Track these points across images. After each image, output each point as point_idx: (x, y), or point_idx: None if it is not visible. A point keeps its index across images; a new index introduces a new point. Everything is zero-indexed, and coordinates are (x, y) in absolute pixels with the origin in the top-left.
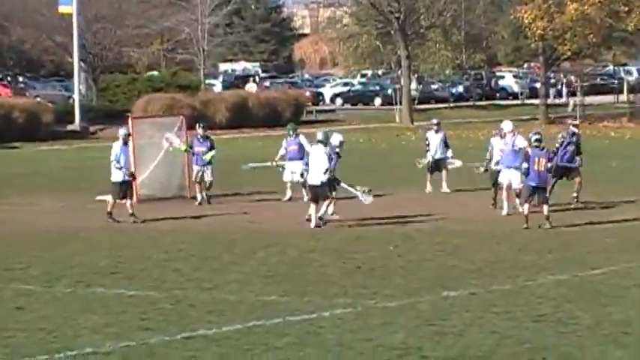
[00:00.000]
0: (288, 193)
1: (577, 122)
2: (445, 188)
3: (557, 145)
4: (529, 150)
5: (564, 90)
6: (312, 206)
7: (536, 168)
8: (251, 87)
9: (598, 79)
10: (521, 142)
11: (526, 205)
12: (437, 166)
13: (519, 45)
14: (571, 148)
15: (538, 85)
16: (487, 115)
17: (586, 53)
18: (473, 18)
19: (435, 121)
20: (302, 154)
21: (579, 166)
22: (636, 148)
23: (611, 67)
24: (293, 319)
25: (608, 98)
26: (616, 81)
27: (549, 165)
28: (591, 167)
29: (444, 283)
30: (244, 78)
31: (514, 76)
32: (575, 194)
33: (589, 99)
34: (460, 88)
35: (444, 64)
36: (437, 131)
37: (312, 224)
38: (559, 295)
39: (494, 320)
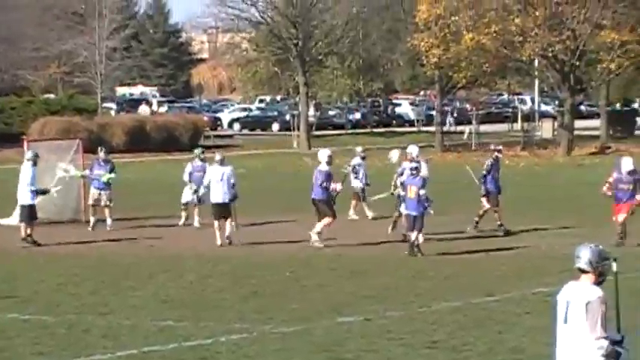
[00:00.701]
0: (184, 216)
1: (500, 147)
2: (352, 215)
3: (484, 172)
4: (405, 179)
5: (451, 119)
6: (216, 224)
7: (408, 196)
8: (144, 110)
9: (493, 108)
10: (424, 171)
11: (409, 233)
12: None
13: (416, 73)
14: (497, 174)
15: (434, 112)
16: (384, 142)
17: (481, 82)
18: (370, 45)
19: (360, 149)
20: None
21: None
22: (529, 177)
23: (505, 96)
24: (189, 344)
25: (503, 127)
26: (510, 110)
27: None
28: None
29: (339, 309)
30: (137, 102)
31: (410, 104)
32: (499, 222)
33: (484, 127)
34: (357, 115)
35: (342, 90)
36: (363, 159)
37: (218, 242)
38: (453, 322)
39: (389, 346)
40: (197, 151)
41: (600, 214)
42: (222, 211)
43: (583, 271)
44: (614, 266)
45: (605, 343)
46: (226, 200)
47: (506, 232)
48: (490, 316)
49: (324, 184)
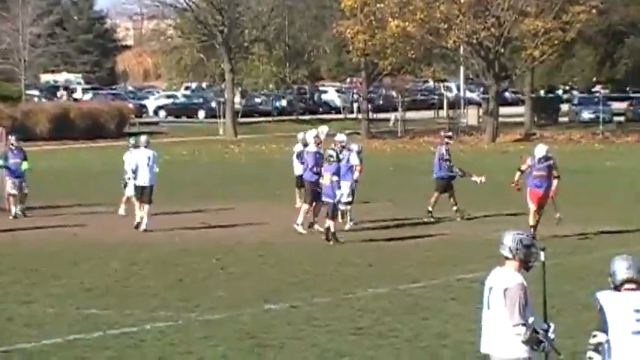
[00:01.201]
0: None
1: (450, 134)
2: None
3: (446, 157)
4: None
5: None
6: (140, 207)
7: (323, 182)
8: (62, 95)
9: (419, 95)
10: (354, 159)
11: (328, 221)
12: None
13: (342, 60)
14: (448, 161)
15: (360, 99)
16: (311, 129)
17: (407, 69)
18: (296, 32)
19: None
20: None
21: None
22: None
23: (431, 83)
24: (114, 332)
25: (429, 114)
26: (436, 97)
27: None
28: (414, 182)
29: (265, 296)
30: (56, 88)
31: (337, 91)
32: (455, 208)
33: (410, 114)
34: (284, 102)
35: (268, 78)
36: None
37: (143, 227)
38: (379, 308)
39: (315, 333)
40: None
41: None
42: (146, 194)
43: (507, 258)
44: (542, 256)
45: (523, 329)
46: (150, 183)
47: (434, 218)
48: (416, 303)
49: (315, 168)
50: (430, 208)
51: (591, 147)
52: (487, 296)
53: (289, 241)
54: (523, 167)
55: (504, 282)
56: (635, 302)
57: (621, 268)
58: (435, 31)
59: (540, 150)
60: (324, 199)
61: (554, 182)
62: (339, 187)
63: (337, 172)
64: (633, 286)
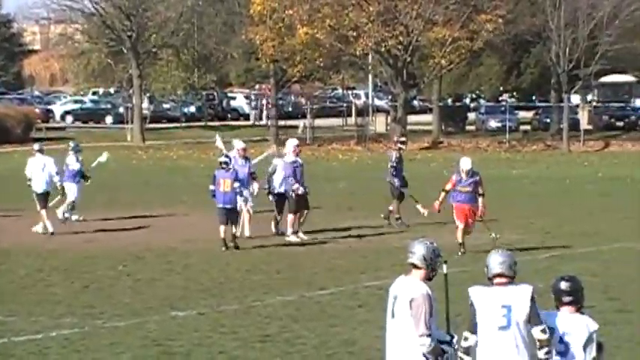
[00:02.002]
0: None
1: (403, 139)
2: None
3: (393, 164)
4: (216, 172)
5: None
6: (43, 213)
7: (221, 190)
8: None
9: (327, 102)
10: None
11: (222, 227)
12: None
13: (251, 66)
14: (401, 166)
15: (269, 106)
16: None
17: (316, 76)
18: (205, 38)
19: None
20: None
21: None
22: (363, 171)
23: (340, 91)
24: (18, 339)
25: (337, 121)
26: (344, 104)
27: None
28: (320, 188)
29: (172, 303)
30: None
31: (245, 97)
32: (397, 215)
33: (318, 121)
34: (192, 108)
35: (176, 83)
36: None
37: (51, 229)
38: (286, 315)
39: (222, 340)
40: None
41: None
42: (45, 200)
43: (415, 267)
44: (445, 268)
45: (428, 340)
46: (44, 190)
47: (402, 224)
48: (323, 310)
49: (290, 179)
50: (397, 216)
51: (498, 155)
52: (392, 305)
53: (197, 248)
54: (448, 187)
55: (410, 292)
56: (503, 297)
57: (494, 263)
58: (343, 39)
59: (466, 162)
60: (223, 205)
61: (480, 200)
62: (242, 194)
63: (237, 179)
64: (504, 280)
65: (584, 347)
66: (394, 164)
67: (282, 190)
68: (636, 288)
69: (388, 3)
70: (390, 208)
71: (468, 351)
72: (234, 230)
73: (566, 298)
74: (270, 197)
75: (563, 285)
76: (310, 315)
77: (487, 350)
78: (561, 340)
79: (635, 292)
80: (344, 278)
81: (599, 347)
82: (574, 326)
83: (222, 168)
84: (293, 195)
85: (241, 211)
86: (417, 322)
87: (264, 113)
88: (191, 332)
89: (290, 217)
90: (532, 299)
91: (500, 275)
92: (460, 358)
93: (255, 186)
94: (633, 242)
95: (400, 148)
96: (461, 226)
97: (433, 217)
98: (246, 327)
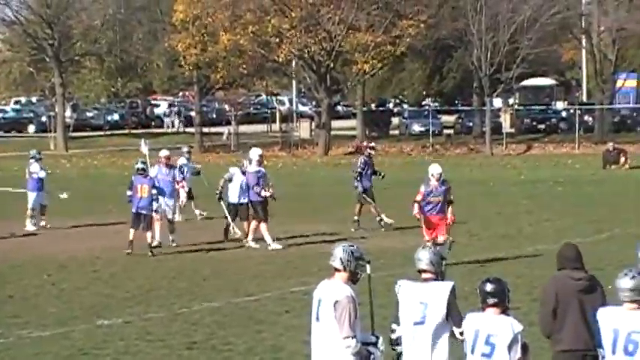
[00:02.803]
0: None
1: (373, 144)
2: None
3: (358, 169)
4: (133, 178)
5: (176, 120)
6: None
7: (138, 195)
8: None
9: (251, 108)
10: (178, 176)
11: (132, 230)
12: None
13: (174, 73)
14: (370, 170)
15: (193, 113)
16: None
17: (239, 83)
18: (128, 46)
19: (186, 148)
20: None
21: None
22: (288, 177)
23: (264, 97)
24: None
25: (262, 127)
26: (269, 110)
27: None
28: None
29: (98, 312)
30: None
31: (169, 105)
32: (378, 217)
33: (243, 128)
34: (116, 116)
35: (100, 91)
36: (188, 159)
37: None
38: (213, 322)
39: (149, 348)
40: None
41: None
42: None
43: (337, 270)
44: (368, 269)
45: (353, 342)
46: None
47: (386, 225)
48: (250, 316)
49: (256, 187)
50: (378, 218)
51: (421, 159)
52: (316, 308)
53: (122, 256)
54: (419, 198)
55: (334, 294)
56: (422, 293)
57: (421, 259)
58: (266, 45)
59: (436, 168)
60: (140, 211)
61: (450, 208)
62: (157, 200)
63: (154, 185)
64: (428, 276)
65: (509, 348)
66: (359, 169)
67: (238, 199)
68: None
69: (310, 9)
70: (372, 211)
71: (397, 342)
72: (149, 238)
73: (491, 300)
74: (222, 203)
75: (488, 287)
76: (237, 321)
77: (406, 344)
78: (487, 342)
79: None
80: (270, 284)
81: (524, 348)
82: (499, 327)
83: (140, 174)
84: (261, 201)
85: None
86: (342, 324)
87: (177, 120)
88: (117, 341)
89: (263, 225)
90: (451, 296)
91: (424, 271)
92: (392, 349)
93: (182, 195)
94: (556, 244)
95: (370, 154)
96: (428, 236)
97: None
98: (173, 334)
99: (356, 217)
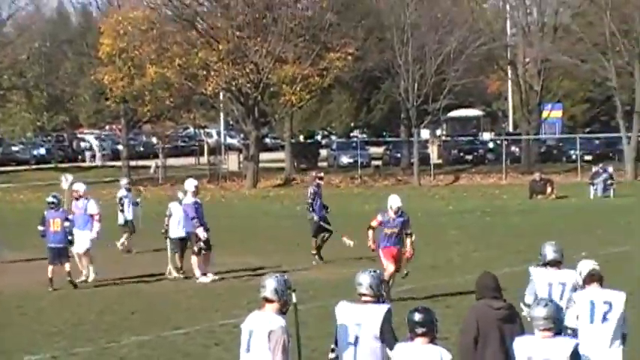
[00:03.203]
0: None
1: (322, 174)
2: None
3: (309, 200)
4: (45, 212)
5: (97, 154)
6: None
7: (52, 229)
8: None
9: (179, 141)
10: (92, 208)
11: (50, 267)
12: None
13: (101, 107)
14: (319, 200)
15: (120, 147)
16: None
17: (167, 115)
18: (55, 79)
19: (125, 181)
20: None
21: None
22: (215, 208)
23: (191, 130)
24: None
25: (190, 160)
26: (197, 143)
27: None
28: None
29: (25, 348)
30: None
31: (96, 138)
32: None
33: (171, 161)
34: (42, 150)
35: (26, 125)
36: (129, 190)
37: None
38: (141, 356)
39: None
40: None
41: (288, 244)
42: None
43: (268, 300)
44: (294, 297)
45: None
46: None
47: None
48: (178, 349)
49: (195, 219)
50: (313, 252)
51: (350, 191)
52: (247, 339)
53: (49, 292)
54: (374, 224)
55: (268, 325)
56: (357, 315)
57: (361, 283)
58: (193, 78)
59: (395, 200)
60: (54, 245)
61: (408, 240)
62: (71, 233)
63: (67, 218)
64: (368, 298)
65: None
66: (310, 200)
67: (180, 233)
68: None
69: (237, 41)
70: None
71: None
72: (67, 267)
73: (420, 330)
74: (167, 241)
75: (417, 316)
76: (166, 355)
77: None
78: None
79: None
80: (199, 317)
81: None
82: (428, 357)
83: (52, 208)
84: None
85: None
86: (276, 354)
87: (98, 154)
88: None
89: (194, 258)
90: (385, 318)
91: (364, 295)
92: None
93: (96, 226)
94: None
95: (319, 184)
96: (391, 268)
97: (357, 252)
98: None
99: (314, 251)
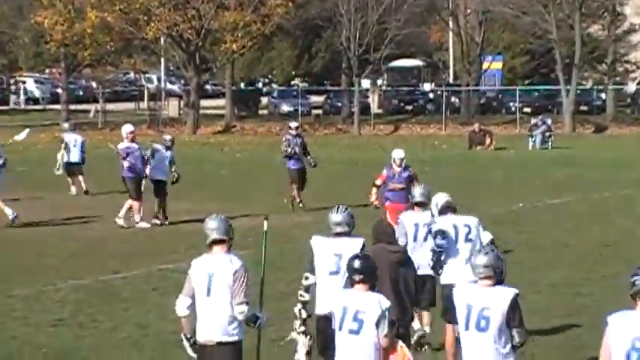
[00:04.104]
0: None
1: (297, 124)
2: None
3: (283, 147)
4: None
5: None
6: None
7: None
8: None
9: (119, 86)
10: None
11: None
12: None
13: (40, 50)
14: (299, 149)
15: (60, 90)
16: (10, 120)
17: (107, 60)
18: None
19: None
20: None
21: (314, 165)
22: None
23: (132, 75)
24: None
25: (130, 105)
26: (137, 88)
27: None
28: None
29: None
30: None
31: (35, 82)
32: (299, 199)
33: (110, 106)
34: None
35: None
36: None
37: None
38: (79, 300)
39: (14, 326)
40: None
41: (226, 191)
42: None
43: (218, 242)
44: (265, 225)
45: (246, 307)
46: None
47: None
48: (116, 293)
49: (124, 162)
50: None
51: None
52: (206, 284)
53: None
54: (378, 182)
55: (230, 266)
56: (336, 247)
57: (332, 219)
58: (134, 23)
59: (398, 152)
60: None
61: None
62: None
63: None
64: (341, 231)
65: (377, 324)
66: (283, 148)
67: (159, 176)
68: None
69: None
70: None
71: (307, 289)
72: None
73: (358, 277)
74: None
75: (356, 263)
76: (104, 299)
77: (322, 290)
78: (355, 318)
79: None
80: (137, 261)
81: (392, 324)
82: (367, 304)
83: None
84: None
85: None
86: (240, 291)
87: (21, 98)
88: None
89: (135, 203)
90: (362, 250)
91: (338, 231)
92: (301, 295)
93: None
94: None
95: (291, 133)
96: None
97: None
98: (38, 312)
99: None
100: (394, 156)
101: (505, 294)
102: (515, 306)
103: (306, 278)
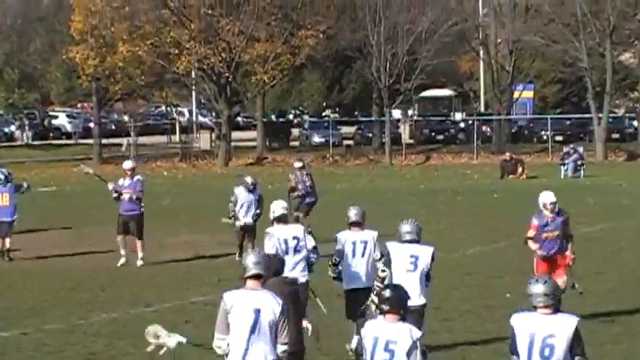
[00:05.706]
0: None
1: (302, 163)
2: None
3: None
4: None
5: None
6: None
7: (0, 204)
8: None
9: (151, 120)
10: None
11: None
12: None
13: (72, 84)
14: (309, 182)
15: (92, 124)
16: (43, 155)
17: (139, 93)
18: (26, 57)
19: None
20: None
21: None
22: (187, 187)
23: (163, 108)
24: None
25: (162, 138)
26: (169, 121)
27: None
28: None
29: None
30: None
31: (67, 116)
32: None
33: (143, 139)
34: (13, 128)
35: None
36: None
37: None
38: (111, 333)
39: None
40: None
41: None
42: None
43: (256, 277)
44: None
45: (287, 347)
46: None
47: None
48: (146, 326)
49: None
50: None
51: (322, 170)
52: (253, 320)
53: (20, 267)
54: (531, 233)
55: (276, 303)
56: (411, 251)
57: (411, 231)
58: (165, 56)
59: (548, 196)
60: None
61: (570, 245)
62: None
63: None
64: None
65: (408, 354)
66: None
67: (247, 220)
68: (458, 295)
69: (210, 20)
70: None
71: (383, 281)
72: (7, 244)
73: (388, 307)
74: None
75: (387, 293)
76: (136, 332)
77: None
78: (386, 348)
79: (456, 299)
80: (169, 295)
81: (424, 354)
82: (397, 334)
83: (0, 183)
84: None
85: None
86: (283, 330)
87: (26, 133)
88: (13, 352)
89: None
90: (432, 257)
91: (408, 238)
92: (377, 286)
93: None
94: (454, 252)
95: (302, 166)
96: (560, 284)
97: None
98: (71, 345)
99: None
100: (544, 201)
101: (569, 321)
102: (578, 334)
103: (383, 271)
